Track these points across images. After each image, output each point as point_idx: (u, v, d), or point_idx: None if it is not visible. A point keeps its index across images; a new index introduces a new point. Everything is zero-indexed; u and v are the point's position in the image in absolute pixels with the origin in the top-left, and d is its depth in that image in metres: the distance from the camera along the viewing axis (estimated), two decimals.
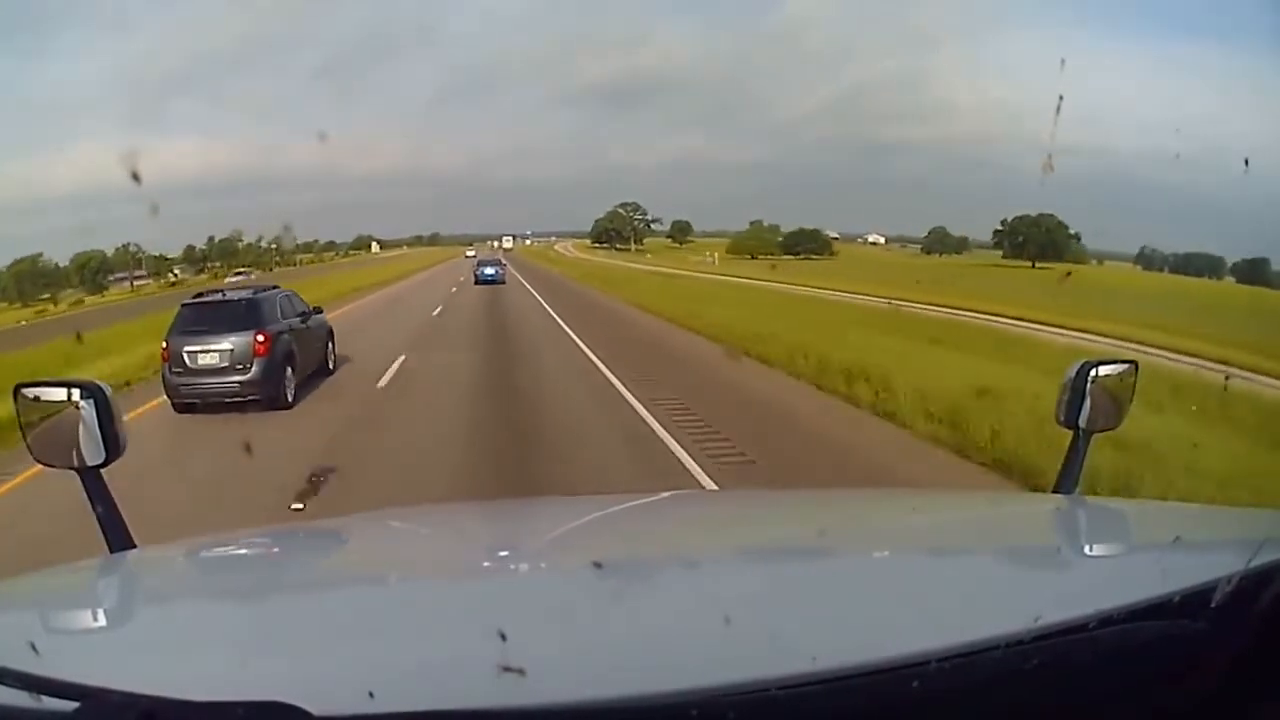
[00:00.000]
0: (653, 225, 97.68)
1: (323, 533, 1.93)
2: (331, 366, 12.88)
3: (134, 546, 1.55)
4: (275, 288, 12.01)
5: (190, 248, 64.90)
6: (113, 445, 1.56)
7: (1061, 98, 5.25)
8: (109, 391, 1.60)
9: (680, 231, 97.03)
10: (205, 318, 10.71)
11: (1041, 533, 1.63)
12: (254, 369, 10.30)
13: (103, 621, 1.27)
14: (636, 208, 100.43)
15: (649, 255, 78.95)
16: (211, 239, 65.08)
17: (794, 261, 65.01)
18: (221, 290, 12.62)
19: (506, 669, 0.81)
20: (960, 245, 70.30)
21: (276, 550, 1.73)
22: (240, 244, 66.59)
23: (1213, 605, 0.95)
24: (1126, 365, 1.88)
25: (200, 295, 11.68)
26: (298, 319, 11.74)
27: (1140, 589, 1.00)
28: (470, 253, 72.07)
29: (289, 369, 10.79)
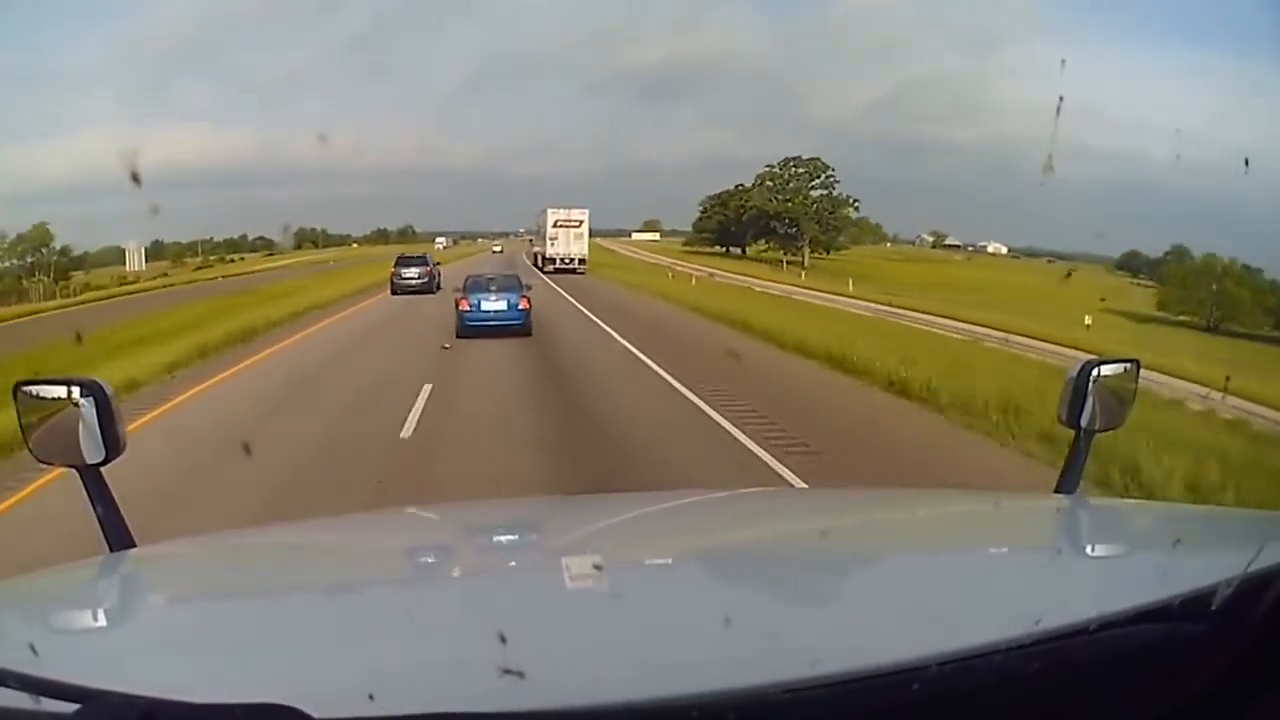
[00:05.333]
0: (848, 213, 49.41)
1: (323, 533, 1.93)
2: (438, 287, 29.15)
3: (134, 546, 1.55)
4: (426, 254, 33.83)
5: None
6: (113, 444, 1.56)
7: (1062, 99, 5.17)
8: (109, 389, 1.59)
9: (850, 233, 49.66)
10: (408, 261, 31.40)
11: (1042, 534, 1.63)
12: (428, 279, 30.25)
13: (103, 622, 1.27)
14: (821, 167, 49.77)
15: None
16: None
17: None
18: (412, 254, 33.28)
19: (506, 671, 0.81)
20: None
21: (277, 550, 1.73)
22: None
23: (1213, 609, 0.95)
24: (1129, 364, 1.87)
25: (403, 255, 32.60)
26: (433, 265, 32.01)
27: (1141, 592, 1.00)
28: (496, 247, 55.59)
29: (436, 280, 29.98)
